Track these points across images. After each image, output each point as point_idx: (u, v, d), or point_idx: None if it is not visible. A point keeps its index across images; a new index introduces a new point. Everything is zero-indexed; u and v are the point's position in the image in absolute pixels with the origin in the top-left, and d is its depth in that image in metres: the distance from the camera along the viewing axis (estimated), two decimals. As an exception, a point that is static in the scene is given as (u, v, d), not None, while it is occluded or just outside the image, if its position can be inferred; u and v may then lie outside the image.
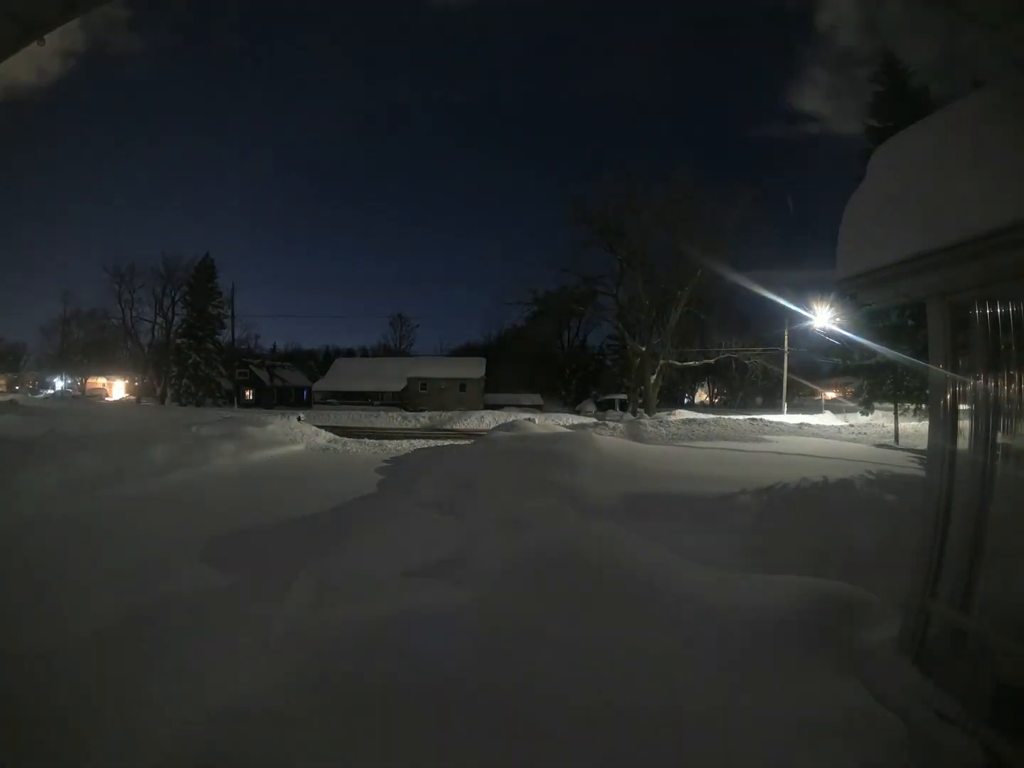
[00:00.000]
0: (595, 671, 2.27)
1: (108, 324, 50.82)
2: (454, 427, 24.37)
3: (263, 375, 46.42)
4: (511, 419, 20.45)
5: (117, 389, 54.44)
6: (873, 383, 15.53)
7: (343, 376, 47.78)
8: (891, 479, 6.28)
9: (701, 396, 58.94)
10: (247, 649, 2.94)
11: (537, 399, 45.03)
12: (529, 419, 18.91)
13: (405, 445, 15.87)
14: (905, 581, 2.58)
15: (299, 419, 19.45)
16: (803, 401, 43.74)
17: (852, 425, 20.42)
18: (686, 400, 53.95)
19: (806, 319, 20.88)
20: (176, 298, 47.58)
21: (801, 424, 18.82)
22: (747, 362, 34.28)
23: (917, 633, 2.45)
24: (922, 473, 2.59)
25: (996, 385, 2.42)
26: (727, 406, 47.94)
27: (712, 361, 35.28)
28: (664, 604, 2.84)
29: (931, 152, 2.44)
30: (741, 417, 20.72)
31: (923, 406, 14.54)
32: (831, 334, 17.52)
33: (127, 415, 28.15)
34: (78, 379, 55.19)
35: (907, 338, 13.15)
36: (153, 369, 47.74)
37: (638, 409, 32.97)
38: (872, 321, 14.27)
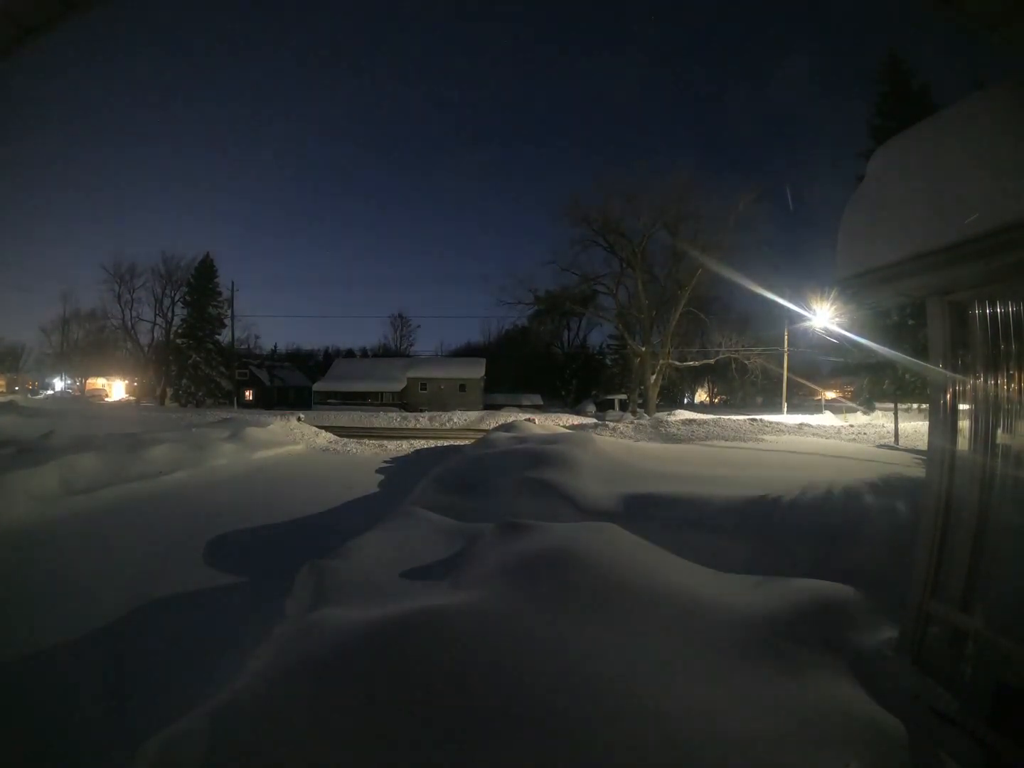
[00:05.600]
0: (593, 671, 2.27)
1: (108, 324, 50.83)
2: (454, 427, 24.37)
3: (263, 375, 46.45)
4: (511, 419, 20.46)
5: (117, 389, 54.41)
6: (873, 382, 15.52)
7: (343, 376, 47.74)
8: (892, 480, 6.29)
9: (701, 396, 58.98)
10: (246, 648, 2.94)
11: (537, 399, 45.01)
12: (529, 419, 18.93)
13: (405, 446, 15.87)
14: (903, 588, 2.58)
15: (299, 419, 19.45)
16: (803, 401, 43.75)
17: (852, 425, 20.43)
18: (686, 400, 53.95)
19: (806, 318, 20.87)
20: (176, 298, 47.58)
21: (801, 424, 18.83)
22: (747, 362, 34.25)
23: (917, 633, 2.45)
24: (921, 473, 2.59)
25: (996, 384, 2.42)
26: (727, 406, 47.95)
27: (712, 361, 35.26)
28: (662, 604, 2.84)
29: (931, 152, 2.43)
30: (741, 417, 20.74)
31: (924, 405, 14.54)
32: (831, 333, 17.51)
33: (127, 415, 28.16)
34: (78, 379, 55.20)
35: (907, 337, 13.15)
36: (153, 369, 47.72)
37: (638, 409, 32.97)
38: (872, 320, 14.27)
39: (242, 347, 49.97)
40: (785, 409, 32.32)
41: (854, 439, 15.19)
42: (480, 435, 15.28)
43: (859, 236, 2.68)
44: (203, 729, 1.95)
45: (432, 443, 16.95)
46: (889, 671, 2.42)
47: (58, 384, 55.99)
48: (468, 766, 1.83)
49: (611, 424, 18.28)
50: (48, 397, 48.18)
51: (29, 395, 48.62)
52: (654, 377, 33.01)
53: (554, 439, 9.98)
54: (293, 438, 15.49)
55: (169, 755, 1.92)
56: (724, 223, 30.88)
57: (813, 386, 39.77)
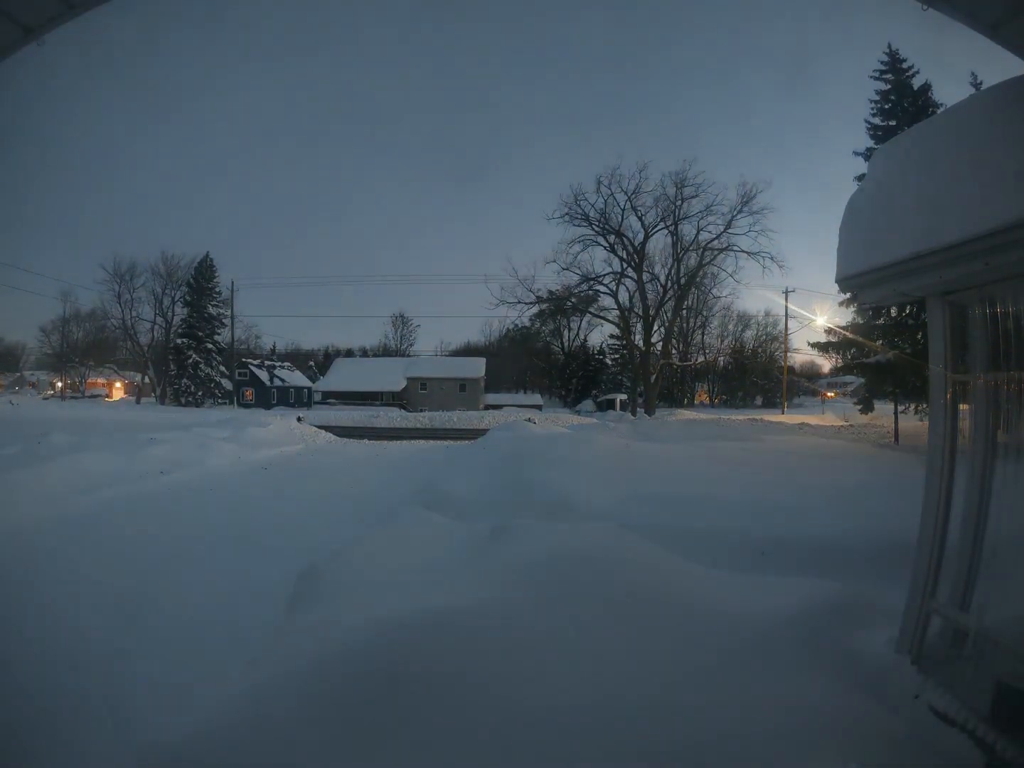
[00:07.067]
0: (594, 670, 2.27)
1: (108, 324, 50.78)
2: (454, 427, 24.37)
3: (263, 375, 46.43)
4: (511, 419, 20.47)
5: (117, 389, 54.42)
6: (873, 382, 15.51)
7: (343, 376, 47.80)
8: (889, 480, 6.30)
9: (701, 396, 59.02)
10: (248, 649, 2.95)
11: (537, 399, 45.14)
12: (529, 419, 18.94)
13: (404, 445, 15.88)
14: (901, 587, 2.58)
15: (299, 419, 19.48)
16: (803, 401, 43.79)
17: (852, 425, 20.44)
18: (686, 400, 54.02)
19: (807, 318, 20.89)
20: (176, 298, 47.57)
21: (801, 424, 18.85)
22: (747, 362, 34.28)
23: (917, 633, 2.45)
24: (920, 474, 2.59)
25: (996, 384, 2.42)
26: (727, 406, 48.00)
27: (712, 361, 35.31)
28: (662, 604, 2.84)
29: (932, 152, 2.43)
30: (741, 417, 20.75)
31: (923, 405, 14.55)
32: (831, 333, 17.51)
33: (127, 415, 28.16)
34: (78, 379, 55.16)
35: (907, 337, 13.18)
36: (153, 369, 47.72)
37: (638, 409, 32.99)
38: (873, 319, 14.30)
39: (242, 347, 50.06)
40: (785, 409, 32.33)
41: (854, 438, 15.20)
42: (480, 435, 15.29)
43: (859, 236, 2.68)
44: (198, 733, 1.95)
45: (432, 443, 16.96)
46: (889, 671, 2.42)
47: (58, 384, 55.99)
48: (464, 758, 1.83)
49: (611, 424, 18.29)
50: (48, 397, 48.18)
51: (29, 395, 48.61)
52: (654, 377, 33.04)
53: (553, 439, 9.99)
54: (293, 438, 15.50)
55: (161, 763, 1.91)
56: (725, 222, 30.96)
57: (814, 386, 39.82)
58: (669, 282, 34.11)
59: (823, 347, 17.39)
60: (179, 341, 44.37)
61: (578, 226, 33.74)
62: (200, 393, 43.14)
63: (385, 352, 65.06)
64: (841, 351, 17.03)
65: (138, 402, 44.48)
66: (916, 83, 15.82)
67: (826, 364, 29.67)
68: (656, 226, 33.15)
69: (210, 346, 44.35)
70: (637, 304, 34.16)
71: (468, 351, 60.71)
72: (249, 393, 46.05)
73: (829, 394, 40.80)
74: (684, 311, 33.08)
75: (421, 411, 35.03)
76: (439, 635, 2.36)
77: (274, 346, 68.27)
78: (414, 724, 1.96)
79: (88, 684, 3.18)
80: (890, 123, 15.20)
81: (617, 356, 47.71)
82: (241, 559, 5.42)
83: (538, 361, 54.28)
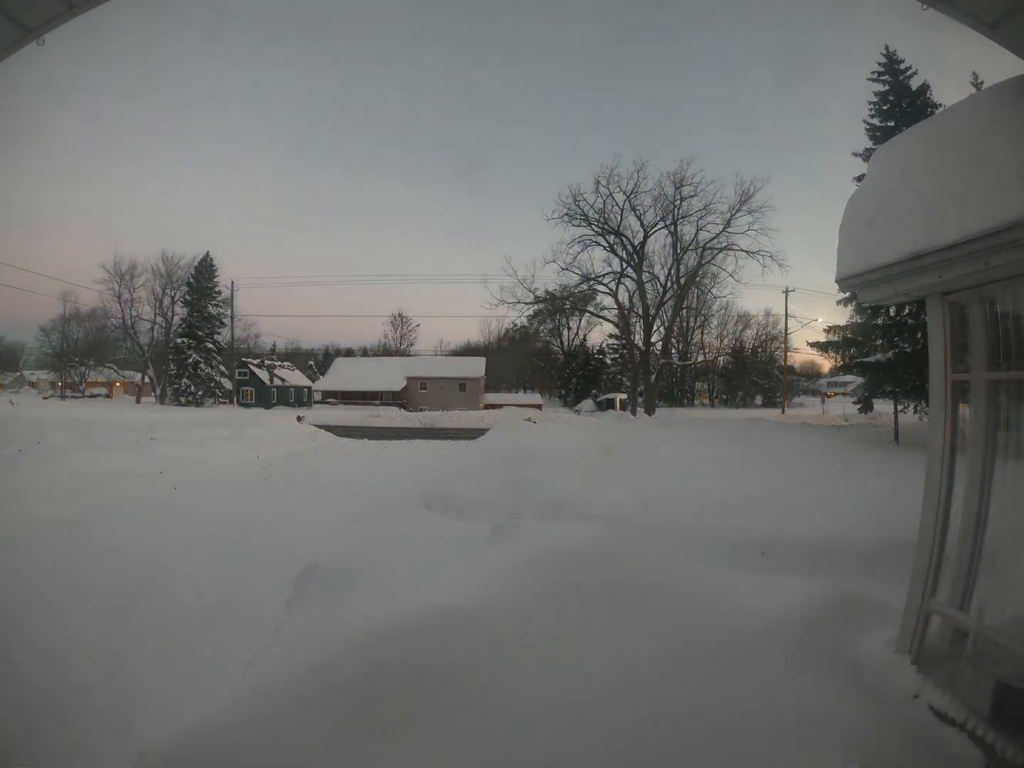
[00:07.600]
0: (595, 669, 2.27)
1: (108, 324, 50.67)
2: (453, 427, 24.37)
3: (263, 374, 46.42)
4: (510, 419, 20.48)
5: (116, 389, 54.40)
6: (873, 381, 15.50)
7: (343, 376, 47.79)
8: (888, 479, 6.29)
9: (701, 396, 59.08)
10: (248, 649, 2.95)
11: (537, 398, 45.16)
12: (528, 419, 18.95)
13: (404, 445, 15.88)
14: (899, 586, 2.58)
15: (299, 419, 19.49)
16: (803, 400, 43.83)
17: (851, 424, 20.44)
18: (686, 400, 54.05)
19: (807, 317, 20.90)
20: (176, 297, 47.49)
21: (802, 423, 18.85)
22: (746, 362, 34.27)
23: (917, 633, 2.45)
24: (920, 473, 2.59)
25: (995, 384, 2.42)
26: (727, 405, 48.05)
27: (712, 360, 35.29)
28: (664, 604, 2.84)
29: (931, 152, 2.43)
30: (741, 417, 20.77)
31: (923, 405, 14.54)
32: (832, 332, 17.50)
33: (127, 415, 28.13)
34: (78, 379, 55.11)
35: (907, 336, 13.18)
36: (153, 369, 47.68)
37: (638, 408, 32.99)
38: (872, 319, 14.30)
39: (242, 346, 50.03)
40: (785, 408, 32.36)
41: (854, 438, 15.18)
42: (479, 434, 15.29)
43: (859, 236, 2.68)
44: (198, 733, 1.95)
45: (431, 442, 16.96)
46: (889, 671, 2.42)
47: (58, 383, 55.97)
48: (467, 755, 1.83)
49: (611, 423, 18.28)
50: (48, 396, 48.15)
51: (29, 395, 48.58)
52: (654, 376, 33.02)
53: (553, 438, 9.99)
54: (293, 437, 15.52)
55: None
56: (724, 221, 30.92)
57: (813, 385, 39.87)
58: (669, 282, 34.07)
59: (823, 347, 17.36)
60: (179, 341, 44.30)
61: (577, 226, 33.61)
62: (200, 393, 43.10)
63: (385, 352, 65.03)
64: (840, 351, 17.02)
65: (138, 402, 44.42)
66: (914, 84, 15.78)
67: (826, 364, 29.67)
68: (655, 226, 33.07)
69: (210, 345, 44.31)
70: (637, 304, 34.11)
71: (468, 351, 60.72)
72: (249, 392, 46.03)
73: (829, 393, 40.85)
74: (684, 311, 33.00)
75: (421, 411, 35.04)
76: (440, 634, 2.36)
77: (274, 346, 68.24)
78: (416, 723, 1.96)
79: (88, 684, 3.19)
80: (888, 124, 15.18)
81: (617, 356, 47.72)
82: (241, 559, 5.42)
83: (538, 361, 54.35)
